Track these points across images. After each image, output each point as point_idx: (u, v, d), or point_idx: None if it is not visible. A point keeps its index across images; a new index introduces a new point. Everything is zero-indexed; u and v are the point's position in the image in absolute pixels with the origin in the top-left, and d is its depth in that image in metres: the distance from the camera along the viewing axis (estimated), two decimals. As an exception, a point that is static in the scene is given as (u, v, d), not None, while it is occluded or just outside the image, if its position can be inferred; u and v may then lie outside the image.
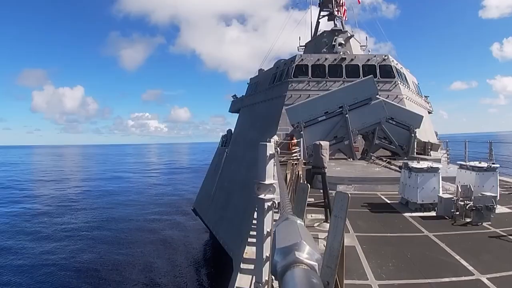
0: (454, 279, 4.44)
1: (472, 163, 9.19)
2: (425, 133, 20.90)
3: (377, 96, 17.25)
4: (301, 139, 15.04)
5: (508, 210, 8.23)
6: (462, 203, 7.36)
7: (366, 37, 32.24)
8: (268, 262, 2.73)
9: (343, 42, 25.11)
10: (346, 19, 30.47)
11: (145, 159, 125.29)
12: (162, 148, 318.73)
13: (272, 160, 2.88)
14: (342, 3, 30.08)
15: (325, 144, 7.36)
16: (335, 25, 28.57)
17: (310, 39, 30.38)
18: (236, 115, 29.59)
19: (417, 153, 17.23)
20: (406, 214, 7.94)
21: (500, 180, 9.38)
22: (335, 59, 22.08)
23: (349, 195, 2.72)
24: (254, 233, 4.35)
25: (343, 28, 27.84)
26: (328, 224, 5.70)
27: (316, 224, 6.95)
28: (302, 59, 22.23)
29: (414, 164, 8.69)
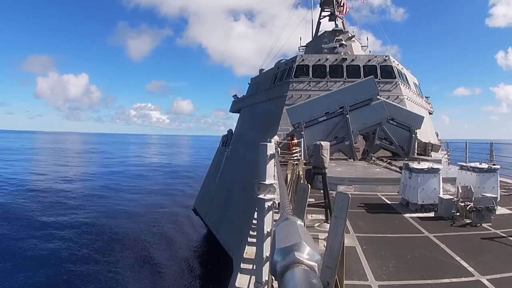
0: (454, 280, 4.44)
1: (472, 164, 9.19)
2: (425, 133, 20.90)
3: (378, 97, 17.24)
4: (302, 139, 15.04)
5: (508, 211, 8.22)
6: (463, 204, 7.36)
7: (367, 38, 32.22)
8: (268, 262, 2.73)
9: (344, 42, 25.12)
10: (347, 12, 30.39)
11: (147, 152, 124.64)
12: (164, 139, 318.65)
13: (273, 160, 2.88)
14: (343, 4, 30.06)
15: (325, 144, 7.35)
16: (336, 25, 28.58)
17: (311, 39, 30.40)
18: (237, 113, 29.63)
19: (417, 154, 17.22)
20: (407, 215, 7.94)
21: (500, 181, 9.37)
22: (336, 60, 22.08)
23: (350, 195, 2.72)
24: (254, 233, 4.35)
25: (344, 29, 27.84)
26: (328, 225, 5.71)
27: (316, 225, 6.95)
28: (303, 59, 22.24)
29: (414, 165, 8.69)
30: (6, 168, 55.30)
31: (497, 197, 8.29)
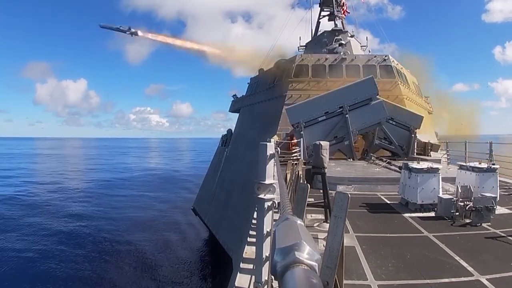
0: (453, 279, 4.44)
1: (472, 164, 9.19)
2: (425, 133, 20.90)
3: (377, 96, 17.24)
4: (301, 139, 15.04)
5: (508, 211, 8.22)
6: (462, 203, 7.36)
7: (367, 37, 32.24)
8: (268, 262, 2.72)
9: (343, 42, 25.11)
10: (347, 14, 30.44)
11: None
12: (164, 143, 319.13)
13: (272, 160, 2.88)
14: (343, 3, 30.05)
15: (325, 144, 7.35)
16: (336, 25, 28.57)
17: (310, 39, 30.38)
18: (237, 114, 29.58)
19: (417, 154, 17.23)
20: (406, 215, 7.94)
21: (500, 181, 9.37)
22: (336, 59, 22.07)
23: (349, 195, 2.72)
24: (254, 233, 4.34)
25: (344, 28, 27.83)
26: (327, 224, 5.70)
27: (316, 224, 6.95)
28: (303, 59, 22.23)
29: (414, 165, 8.69)
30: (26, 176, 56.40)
31: (496, 197, 8.28)
